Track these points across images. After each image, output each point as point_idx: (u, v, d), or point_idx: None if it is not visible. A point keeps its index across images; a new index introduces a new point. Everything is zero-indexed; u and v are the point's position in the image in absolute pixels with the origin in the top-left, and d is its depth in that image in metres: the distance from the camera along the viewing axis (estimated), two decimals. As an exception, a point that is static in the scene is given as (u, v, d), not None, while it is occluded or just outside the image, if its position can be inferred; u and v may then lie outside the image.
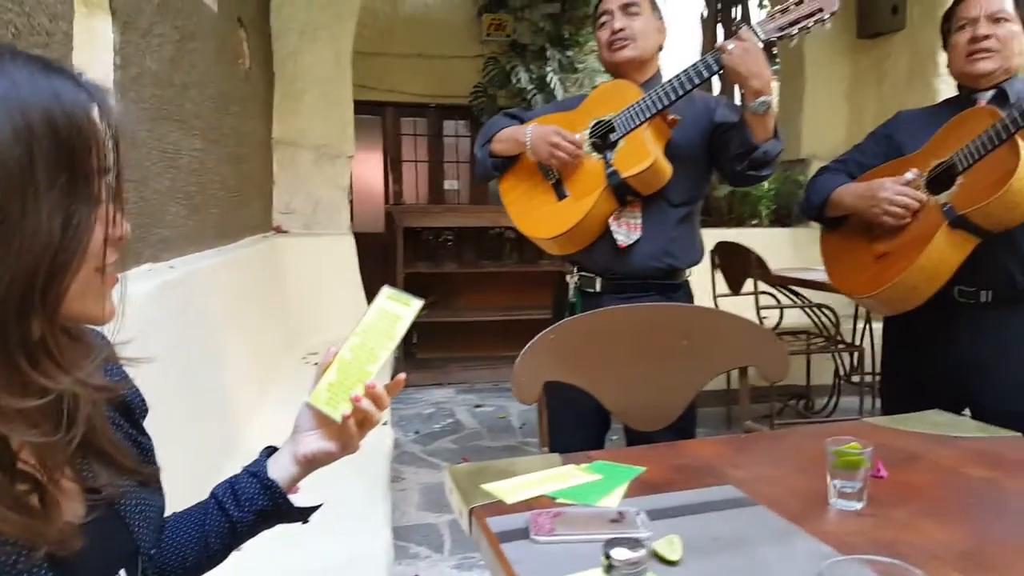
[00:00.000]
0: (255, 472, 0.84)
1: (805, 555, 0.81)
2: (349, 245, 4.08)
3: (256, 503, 0.83)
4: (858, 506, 0.91)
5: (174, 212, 2.20)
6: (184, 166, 2.31)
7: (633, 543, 0.69)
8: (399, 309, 0.85)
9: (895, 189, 1.63)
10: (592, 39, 6.07)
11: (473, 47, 5.92)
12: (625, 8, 1.76)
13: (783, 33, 1.60)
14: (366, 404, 0.81)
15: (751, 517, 0.92)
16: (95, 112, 0.59)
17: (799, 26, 1.58)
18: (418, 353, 5.00)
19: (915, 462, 1.09)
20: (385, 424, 2.41)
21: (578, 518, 0.92)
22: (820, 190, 1.81)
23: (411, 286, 4.94)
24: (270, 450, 0.87)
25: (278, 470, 0.84)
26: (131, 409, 0.76)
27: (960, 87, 1.72)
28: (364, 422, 0.82)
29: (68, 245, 0.57)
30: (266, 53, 3.80)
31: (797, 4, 1.59)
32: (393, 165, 6.04)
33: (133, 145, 1.88)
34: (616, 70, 1.81)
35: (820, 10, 1.57)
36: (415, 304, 0.85)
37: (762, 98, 1.58)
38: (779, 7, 1.61)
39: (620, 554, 0.67)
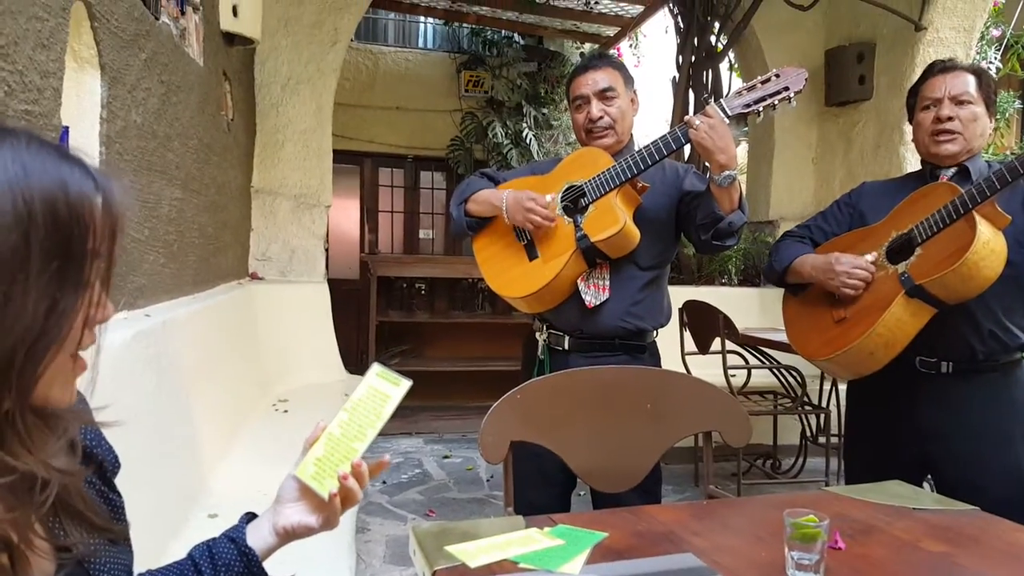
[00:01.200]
0: (234, 538, 0.85)
1: (758, 626, 0.84)
2: (323, 293, 4.10)
3: (232, 569, 0.84)
4: (813, 578, 0.94)
5: (152, 260, 2.21)
6: (164, 215, 2.33)
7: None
8: (388, 388, 0.88)
9: (852, 263, 1.68)
10: (567, 97, 6.30)
11: (451, 102, 6.08)
12: (602, 94, 1.82)
13: (749, 110, 1.67)
14: (352, 483, 0.83)
15: (709, 586, 0.95)
16: (99, 200, 0.61)
17: (764, 104, 1.65)
18: (388, 402, 4.96)
19: (873, 534, 1.12)
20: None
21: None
22: (782, 258, 1.86)
23: (383, 334, 4.93)
24: (249, 516, 0.88)
25: (257, 539, 0.85)
26: (103, 467, 0.77)
27: (923, 162, 1.78)
28: (347, 499, 0.84)
29: (50, 330, 0.58)
30: (249, 104, 3.87)
31: (763, 83, 1.67)
32: (369, 214, 6.10)
33: (114, 196, 1.90)
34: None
35: (786, 88, 1.64)
36: (404, 384, 0.88)
37: (727, 172, 1.64)
38: (746, 85, 1.69)
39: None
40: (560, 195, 1.80)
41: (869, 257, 1.68)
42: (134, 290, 2.06)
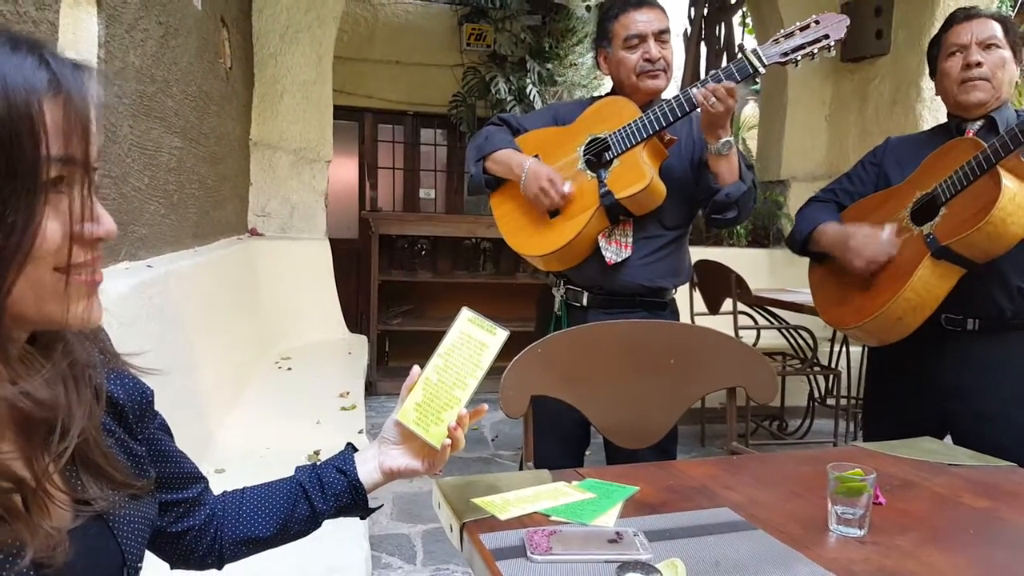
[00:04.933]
0: (344, 470, 0.89)
1: (809, 582, 0.81)
2: (325, 250, 4.03)
3: (342, 499, 0.88)
4: (860, 533, 0.91)
5: (152, 210, 2.14)
6: (163, 164, 2.25)
7: (646, 568, 0.67)
8: (483, 336, 0.89)
9: (870, 253, 1.63)
10: (572, 52, 6.15)
11: (453, 56, 5.92)
12: (659, 35, 1.71)
13: (787, 59, 1.57)
14: (459, 432, 0.86)
15: (751, 541, 0.91)
16: (53, 95, 0.53)
17: (803, 52, 1.56)
18: (390, 361, 4.94)
19: (911, 489, 1.09)
20: (360, 432, 2.36)
21: (575, 537, 0.90)
22: (802, 228, 1.81)
23: (385, 293, 4.88)
24: (352, 447, 0.93)
25: (364, 473, 0.89)
26: (125, 415, 0.72)
27: (950, 115, 1.71)
28: (453, 446, 0.88)
29: (5, 243, 0.52)
30: (247, 53, 3.74)
31: (802, 29, 1.57)
32: (369, 171, 5.99)
33: (114, 140, 1.82)
34: (632, 93, 1.74)
35: (826, 36, 1.55)
36: (500, 334, 0.89)
37: (723, 139, 1.58)
38: (784, 32, 1.59)
39: (636, 580, 0.65)
40: (583, 148, 1.72)
41: (888, 229, 1.62)
42: (135, 240, 2.00)
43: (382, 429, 0.91)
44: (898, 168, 1.73)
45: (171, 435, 0.81)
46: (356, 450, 0.93)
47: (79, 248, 0.56)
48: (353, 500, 0.89)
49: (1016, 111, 1.65)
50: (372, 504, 0.92)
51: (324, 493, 0.88)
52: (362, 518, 0.95)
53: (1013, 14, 5.03)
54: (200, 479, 0.83)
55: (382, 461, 0.89)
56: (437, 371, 0.88)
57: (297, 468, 0.91)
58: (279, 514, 0.86)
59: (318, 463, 0.91)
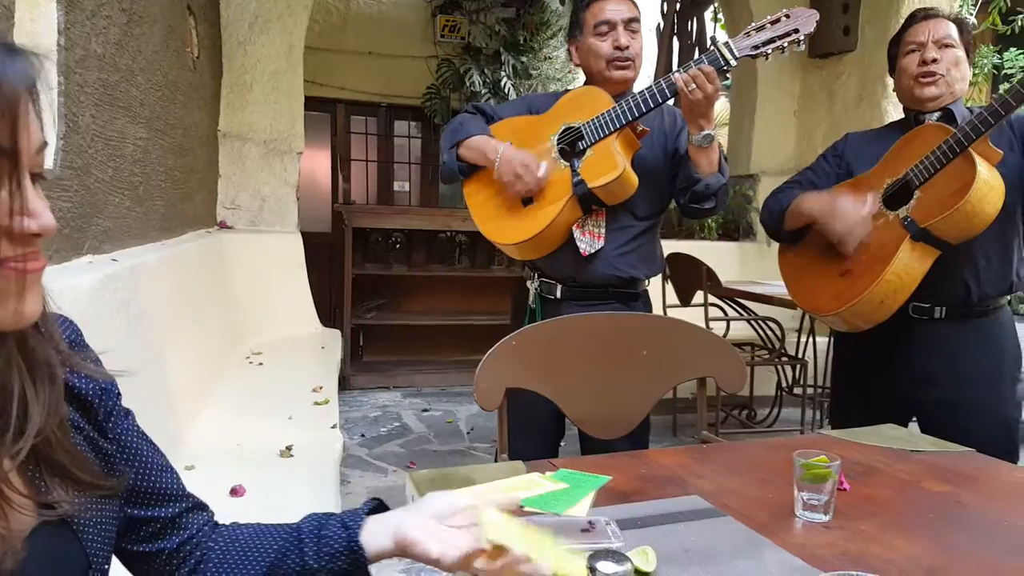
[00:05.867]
0: (348, 526, 0.75)
1: (776, 567, 0.82)
2: (296, 243, 3.98)
3: (336, 561, 0.73)
4: (825, 518, 0.93)
5: (116, 203, 2.09)
6: (128, 155, 2.20)
7: (617, 557, 0.68)
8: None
9: (851, 204, 1.65)
10: (547, 46, 6.14)
11: (426, 48, 5.87)
12: (629, 24, 1.73)
13: (758, 52, 1.59)
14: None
15: (720, 528, 0.92)
16: None
17: (773, 46, 1.58)
18: (364, 355, 4.91)
19: (875, 475, 1.11)
20: (334, 427, 2.34)
21: (547, 527, 0.90)
22: (782, 200, 1.83)
23: (359, 287, 4.84)
24: (374, 504, 0.78)
25: (372, 538, 0.74)
26: (93, 411, 0.69)
27: (907, 110, 1.77)
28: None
29: None
30: (214, 42, 3.68)
31: (773, 23, 1.58)
32: (342, 164, 5.93)
33: (75, 130, 1.78)
34: (602, 84, 1.76)
35: (796, 31, 1.57)
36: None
37: (705, 131, 1.60)
38: (754, 25, 1.61)
39: (606, 567, 0.66)
40: (556, 137, 1.72)
41: (871, 197, 1.65)
42: (99, 233, 1.95)
43: (430, 503, 0.74)
44: (860, 159, 1.77)
45: (151, 444, 0.75)
46: (381, 506, 0.78)
47: (8, 243, 0.53)
48: (351, 564, 0.73)
49: (969, 108, 1.70)
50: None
51: (319, 549, 0.74)
52: None
53: (974, 13, 5.13)
54: (180, 499, 0.75)
55: (401, 531, 0.72)
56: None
57: (307, 517, 0.78)
58: (265, 562, 0.75)
59: (331, 514, 0.78)
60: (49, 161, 1.64)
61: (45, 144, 0.57)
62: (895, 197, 1.65)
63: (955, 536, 0.91)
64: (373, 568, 0.75)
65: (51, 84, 1.68)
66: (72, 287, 1.47)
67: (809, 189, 1.84)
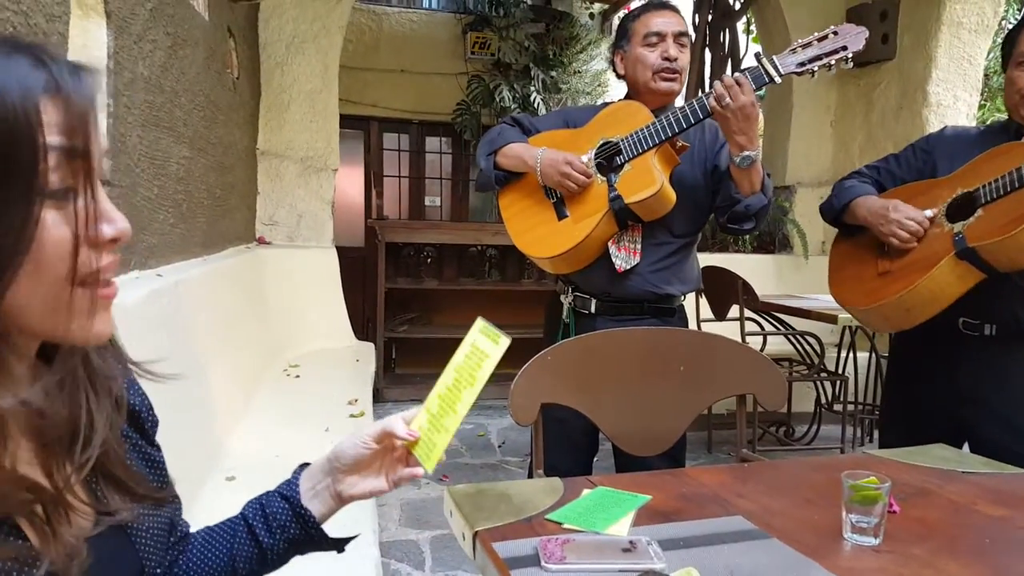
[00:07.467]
0: (288, 496, 0.80)
1: (825, 590, 0.80)
2: (332, 258, 4.04)
3: (288, 531, 0.79)
4: (875, 542, 0.90)
5: (161, 220, 2.15)
6: (172, 173, 2.26)
7: (663, 578, 0.67)
8: (487, 346, 0.80)
9: (907, 213, 1.61)
10: (576, 60, 6.16)
11: (457, 64, 5.93)
12: (678, 37, 1.72)
13: (804, 69, 1.55)
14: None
15: (765, 550, 0.91)
16: (49, 96, 0.52)
17: (820, 63, 1.54)
18: (396, 368, 4.95)
19: (926, 497, 1.08)
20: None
21: (588, 546, 0.90)
22: (842, 196, 1.78)
23: (392, 301, 4.88)
24: (302, 466, 0.84)
25: (316, 503, 0.80)
26: (141, 422, 0.72)
27: (1009, 119, 1.65)
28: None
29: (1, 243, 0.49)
30: (253, 64, 3.77)
31: (820, 40, 1.55)
32: (375, 180, 6.00)
33: (123, 150, 1.83)
34: (646, 95, 1.75)
35: (844, 48, 1.53)
36: (503, 341, 0.79)
37: (745, 153, 1.56)
38: (801, 41, 1.57)
39: (652, 590, 0.65)
40: (594, 151, 1.72)
41: (928, 212, 1.61)
42: (145, 249, 2.01)
43: (333, 454, 0.81)
44: (948, 161, 1.67)
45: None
46: (307, 465, 0.84)
47: (89, 251, 0.54)
48: (304, 531, 0.79)
49: None
50: (340, 534, 0.83)
51: (269, 525, 0.78)
52: (339, 551, 0.84)
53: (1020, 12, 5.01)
54: (178, 500, 0.78)
55: (339, 490, 0.80)
56: (447, 388, 0.81)
57: (246, 504, 0.82)
58: (222, 557, 0.78)
59: (266, 492, 0.82)
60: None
61: (107, 151, 0.59)
62: (960, 208, 1.58)
63: (1013, 562, 0.88)
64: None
65: (101, 105, 1.75)
66: (119, 302, 1.51)
67: (887, 181, 1.78)
